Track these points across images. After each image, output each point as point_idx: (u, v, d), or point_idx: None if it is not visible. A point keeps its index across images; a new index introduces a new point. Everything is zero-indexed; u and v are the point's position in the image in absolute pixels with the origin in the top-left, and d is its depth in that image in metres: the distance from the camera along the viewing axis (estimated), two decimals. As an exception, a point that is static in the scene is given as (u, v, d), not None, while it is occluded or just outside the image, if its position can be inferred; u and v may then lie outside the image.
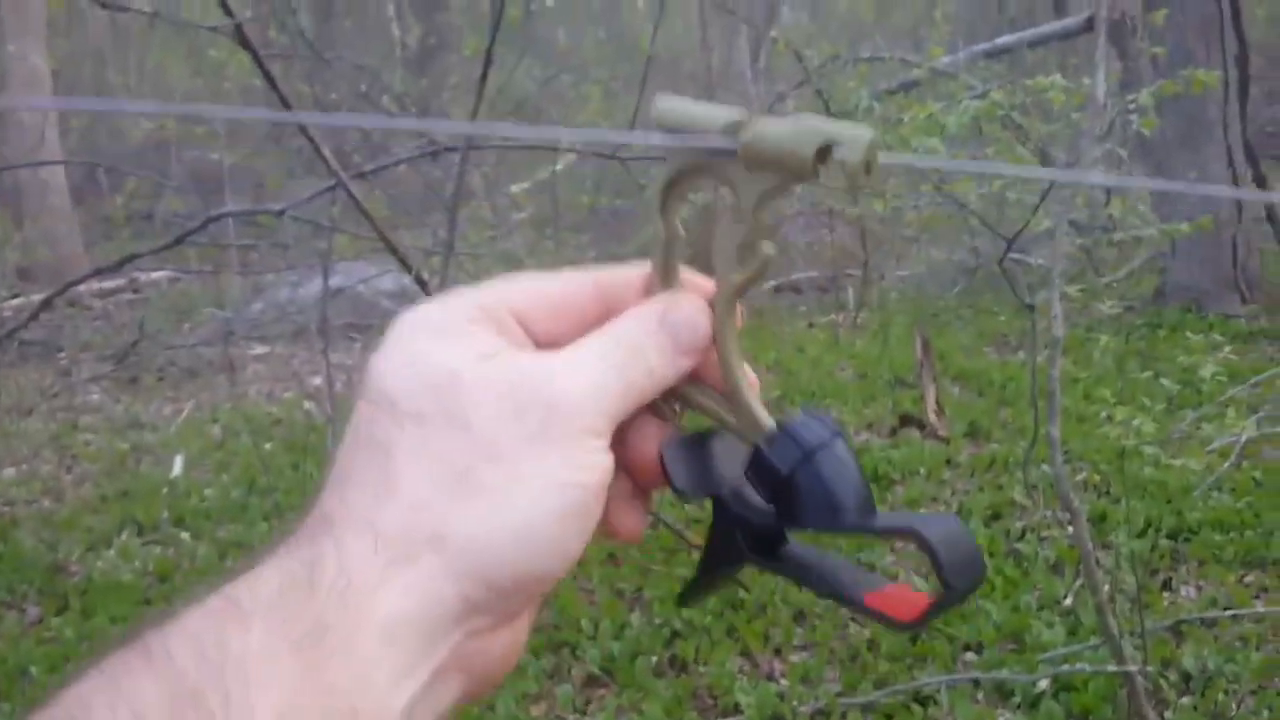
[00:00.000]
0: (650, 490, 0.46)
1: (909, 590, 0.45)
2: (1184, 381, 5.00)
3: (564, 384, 0.40)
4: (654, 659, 3.67)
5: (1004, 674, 3.25)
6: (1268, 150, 11.35)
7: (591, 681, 3.62)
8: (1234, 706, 3.24)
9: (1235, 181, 8.35)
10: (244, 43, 2.84)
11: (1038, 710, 3.13)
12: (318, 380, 6.98)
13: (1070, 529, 2.98)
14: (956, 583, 0.41)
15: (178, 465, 6.01)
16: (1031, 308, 3.40)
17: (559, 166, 9.63)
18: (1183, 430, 4.52)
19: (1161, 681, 3.30)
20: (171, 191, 9.77)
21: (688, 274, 0.44)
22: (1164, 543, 4.31)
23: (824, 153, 0.38)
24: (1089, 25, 5.91)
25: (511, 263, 6.71)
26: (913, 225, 7.50)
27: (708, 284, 0.44)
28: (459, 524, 0.38)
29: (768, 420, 0.43)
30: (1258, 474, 4.61)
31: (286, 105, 2.96)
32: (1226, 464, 4.49)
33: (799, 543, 0.45)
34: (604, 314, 0.43)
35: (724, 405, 0.43)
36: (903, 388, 6.65)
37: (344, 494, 0.39)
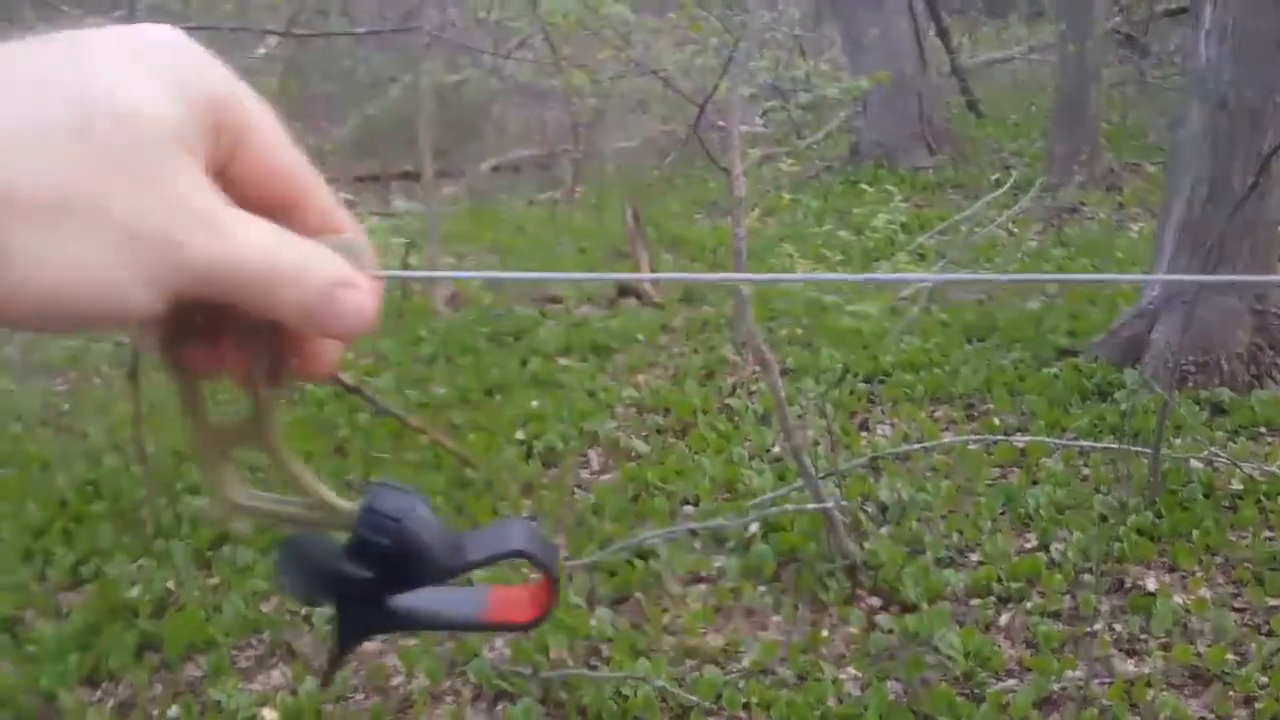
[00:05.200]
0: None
1: (512, 588, 0.50)
2: (860, 231, 5.28)
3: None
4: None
5: (716, 522, 3.41)
6: (950, 4, 11.98)
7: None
8: (927, 531, 3.53)
9: (917, 36, 8.78)
10: None
11: (749, 552, 3.31)
12: None
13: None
14: (557, 570, 0.48)
15: None
16: (728, 171, 3.50)
17: (262, 51, 9.17)
18: (877, 280, 4.79)
19: (861, 515, 3.55)
20: None
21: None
22: (861, 386, 4.60)
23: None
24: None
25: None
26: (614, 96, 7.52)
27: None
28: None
29: (349, 505, 0.46)
30: (944, 316, 4.95)
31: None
32: (916, 308, 4.81)
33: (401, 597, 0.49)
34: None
35: (303, 507, 0.46)
36: (620, 259, 6.75)
37: None
